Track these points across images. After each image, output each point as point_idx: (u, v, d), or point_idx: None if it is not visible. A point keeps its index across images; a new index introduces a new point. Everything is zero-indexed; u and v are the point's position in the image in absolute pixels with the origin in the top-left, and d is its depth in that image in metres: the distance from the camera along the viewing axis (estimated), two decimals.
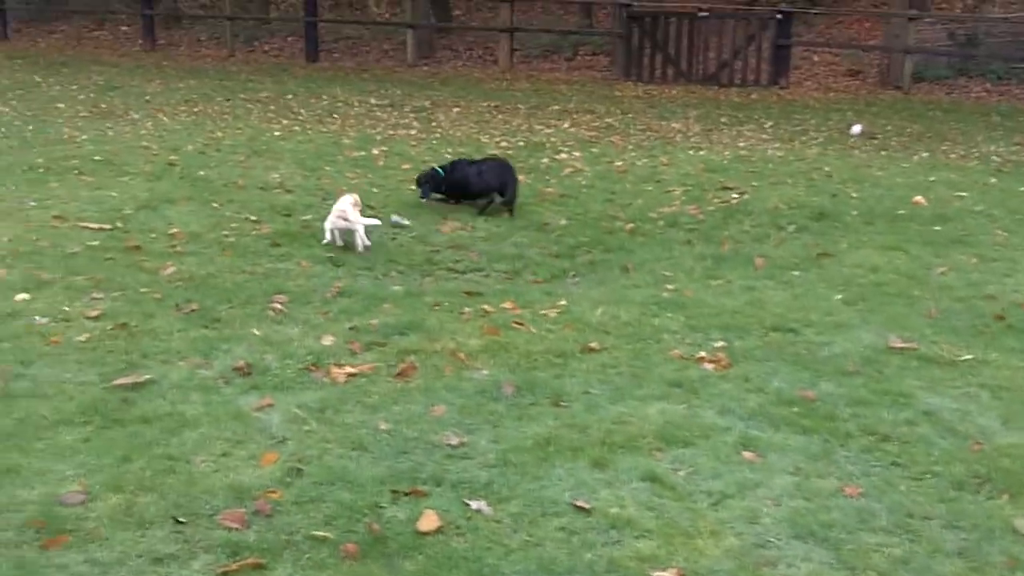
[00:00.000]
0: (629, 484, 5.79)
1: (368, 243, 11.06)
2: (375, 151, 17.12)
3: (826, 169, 16.17)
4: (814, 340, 8.21)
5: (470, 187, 13.05)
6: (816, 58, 31.29)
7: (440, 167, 13.25)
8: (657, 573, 4.92)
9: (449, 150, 17.30)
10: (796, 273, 10.29)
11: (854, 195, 14.08)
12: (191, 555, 5.06)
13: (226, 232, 11.55)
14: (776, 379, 7.33)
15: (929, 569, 5.03)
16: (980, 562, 5.11)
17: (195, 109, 21.95)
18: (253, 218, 12.25)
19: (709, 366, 7.57)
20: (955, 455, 6.19)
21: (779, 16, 28.06)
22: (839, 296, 9.43)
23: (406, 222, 12.11)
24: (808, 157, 17.44)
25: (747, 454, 6.17)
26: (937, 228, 12.16)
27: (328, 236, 11.16)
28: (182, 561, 5.02)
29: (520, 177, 13.41)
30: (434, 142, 18.47)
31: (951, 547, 5.22)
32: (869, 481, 5.89)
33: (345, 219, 10.99)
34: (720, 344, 8.05)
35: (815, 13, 31.69)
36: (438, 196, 13.14)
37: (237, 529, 5.26)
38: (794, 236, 11.89)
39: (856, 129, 20.55)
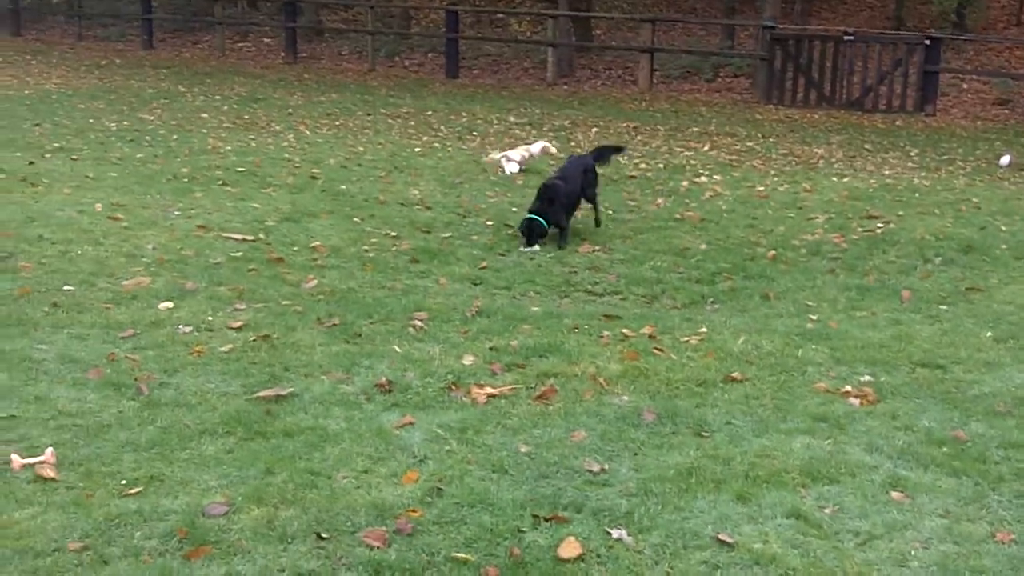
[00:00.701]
0: (773, 520, 5.71)
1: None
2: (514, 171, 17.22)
3: (974, 200, 15.81)
4: (963, 378, 8.02)
5: (572, 201, 12.72)
6: (964, 85, 30.61)
7: (536, 214, 12.27)
8: None
9: None
10: (944, 307, 10.08)
11: (1004, 228, 13.75)
12: (333, 572, 5.13)
13: (366, 247, 11.72)
14: (925, 417, 7.18)
15: None
16: None
17: (336, 123, 22.35)
18: (393, 234, 12.41)
19: (855, 401, 7.44)
20: None
21: (927, 41, 27.53)
22: (989, 333, 9.20)
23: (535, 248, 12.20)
24: (955, 187, 17.07)
25: (895, 494, 6.05)
26: None
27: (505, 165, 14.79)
28: None
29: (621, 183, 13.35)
30: None
31: None
32: (1023, 527, 5.72)
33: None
34: (866, 378, 7.91)
35: (964, 39, 31.00)
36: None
37: (379, 548, 5.32)
38: (941, 269, 11.65)
39: (1005, 160, 20.04)
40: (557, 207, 12.25)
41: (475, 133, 21.73)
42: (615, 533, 5.53)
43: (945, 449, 6.66)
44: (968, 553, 5.44)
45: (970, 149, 21.91)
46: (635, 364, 8.00)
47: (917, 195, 16.20)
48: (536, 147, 17.21)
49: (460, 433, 6.72)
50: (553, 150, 14.05)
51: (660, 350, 8.40)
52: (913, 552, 5.43)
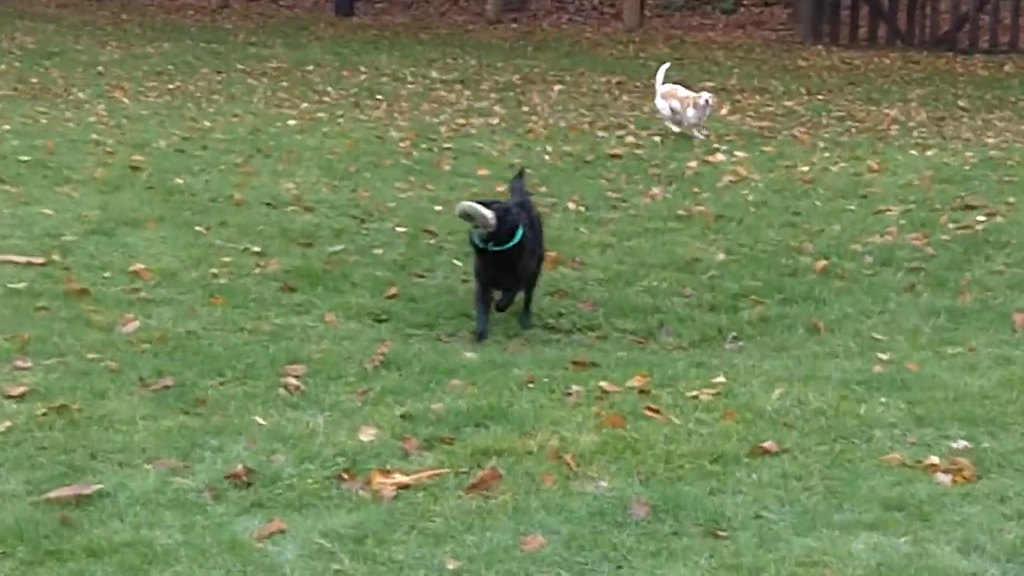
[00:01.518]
0: None
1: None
2: (438, 150, 17.26)
3: None
4: None
5: None
6: None
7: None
8: None
9: (548, 148, 17.40)
10: None
11: None
12: None
13: (215, 270, 11.70)
14: None
15: None
16: None
17: (170, 86, 22.32)
18: (256, 249, 12.38)
19: (945, 478, 7.47)
20: None
21: None
22: None
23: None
24: None
25: None
26: None
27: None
28: None
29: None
30: (526, 139, 18.58)
31: None
32: None
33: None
34: (962, 445, 7.94)
35: None
36: None
37: None
38: None
39: None
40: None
41: (379, 97, 21.80)
42: None
43: None
44: None
45: None
46: (619, 433, 8.00)
47: None
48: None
49: (356, 544, 6.68)
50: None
51: (656, 411, 8.42)
52: None
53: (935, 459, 7.74)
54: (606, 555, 6.60)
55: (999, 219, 13.83)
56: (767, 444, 7.90)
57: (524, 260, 10.46)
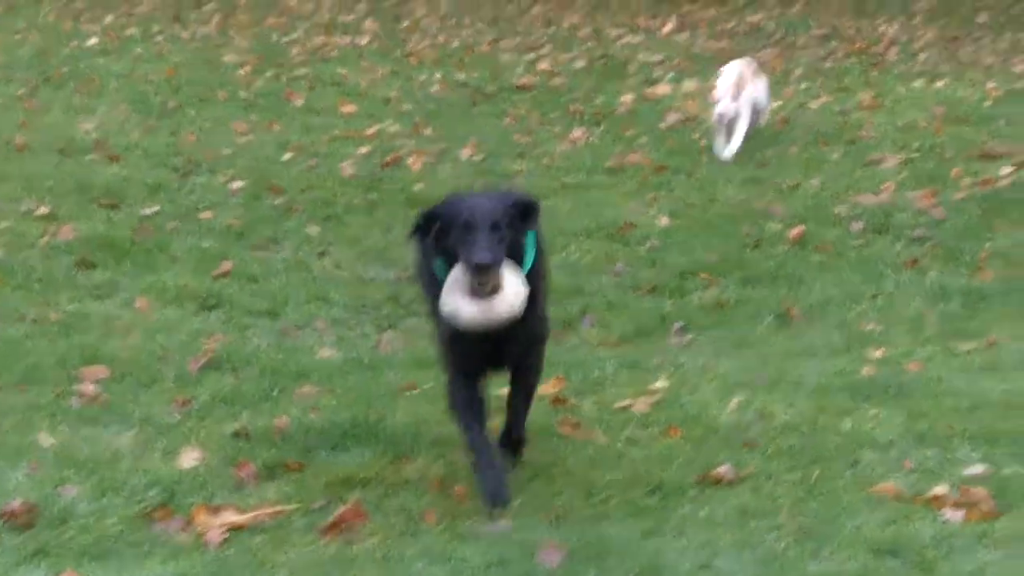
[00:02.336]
0: None
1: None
2: (288, 80, 17.23)
3: None
4: None
5: None
6: None
7: None
8: None
9: (436, 77, 17.40)
10: None
11: None
12: None
13: None
14: None
15: None
16: None
17: None
18: (43, 211, 12.31)
19: (956, 514, 7.52)
20: None
21: None
22: None
23: None
24: None
25: None
26: None
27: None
28: None
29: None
30: (406, 64, 18.57)
31: None
32: None
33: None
34: (977, 471, 8.00)
35: None
36: None
37: None
38: None
39: None
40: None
41: (209, 7, 21.73)
42: None
43: None
44: None
45: None
46: (525, 456, 8.01)
47: None
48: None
49: None
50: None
51: (575, 426, 8.45)
52: None
53: (942, 489, 7.78)
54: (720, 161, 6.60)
55: None
56: (721, 470, 7.93)
57: (536, 307, 7.85)
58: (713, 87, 12.41)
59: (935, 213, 12.82)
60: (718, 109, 12.95)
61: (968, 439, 8.40)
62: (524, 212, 7.62)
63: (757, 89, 12.82)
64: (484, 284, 7.07)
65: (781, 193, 13.44)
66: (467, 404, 7.68)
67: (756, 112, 12.86)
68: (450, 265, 7.42)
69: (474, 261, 7.02)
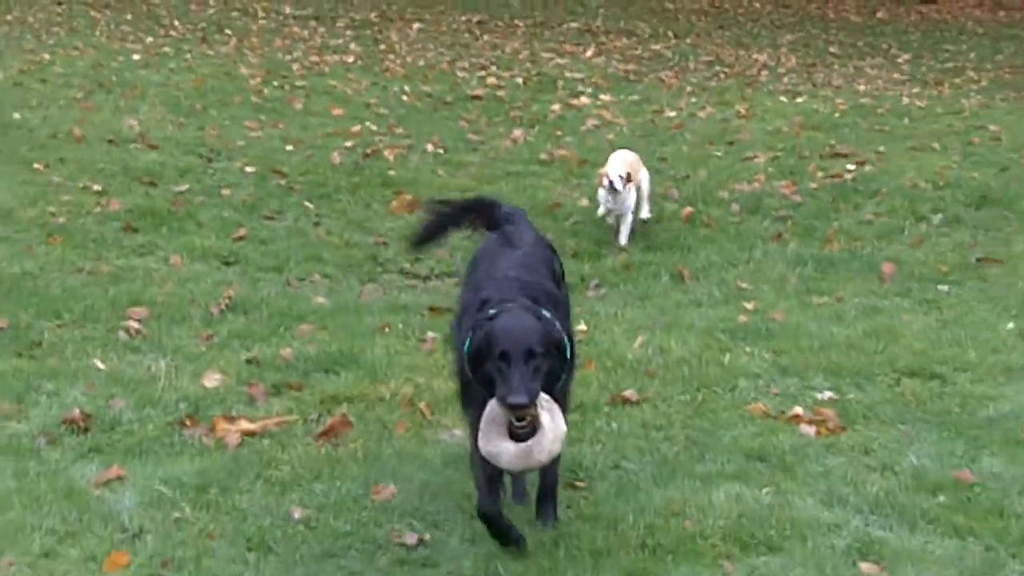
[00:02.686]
0: None
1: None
2: (290, 88, 17.19)
3: (992, 128, 16.19)
4: (972, 392, 8.24)
5: None
6: None
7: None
8: None
9: (406, 88, 17.37)
10: (944, 288, 10.33)
11: None
12: None
13: (54, 209, 11.59)
14: (913, 452, 7.36)
15: None
16: None
17: (7, 17, 21.98)
18: (97, 188, 12.29)
19: (809, 429, 7.60)
20: None
21: None
22: (1011, 325, 9.46)
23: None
24: (964, 109, 17.50)
25: (865, 566, 6.21)
26: None
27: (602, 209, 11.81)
28: None
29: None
30: (383, 78, 18.51)
31: None
32: None
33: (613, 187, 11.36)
34: (826, 396, 8.08)
35: None
36: None
37: None
38: (942, 231, 11.93)
39: None
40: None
41: (228, 32, 21.65)
42: None
43: (942, 498, 6.84)
44: None
45: (987, 53, 22.48)
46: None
47: (907, 121, 16.57)
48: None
49: (197, 492, 6.70)
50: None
51: None
52: None
53: (799, 410, 7.88)
54: (459, 505, 6.66)
55: (868, 168, 13.99)
56: (628, 393, 8.01)
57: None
58: (603, 171, 11.42)
59: (795, 198, 12.87)
60: (606, 186, 11.42)
61: (820, 371, 8.50)
62: (559, 343, 6.08)
63: (642, 179, 11.78)
64: (521, 421, 5.81)
65: (676, 181, 13.49)
66: (485, 465, 6.15)
67: (640, 200, 11.79)
68: (486, 389, 5.98)
69: (509, 402, 5.73)
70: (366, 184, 12.90)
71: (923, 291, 10.26)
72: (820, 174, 13.80)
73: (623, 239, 11.56)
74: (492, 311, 6.14)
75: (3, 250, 10.40)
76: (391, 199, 12.47)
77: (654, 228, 11.82)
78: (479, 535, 6.36)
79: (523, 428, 5.79)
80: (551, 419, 5.83)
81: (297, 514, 6.51)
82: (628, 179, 11.34)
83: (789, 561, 6.25)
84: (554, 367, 5.98)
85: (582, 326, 9.08)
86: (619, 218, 11.62)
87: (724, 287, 10.37)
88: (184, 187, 12.49)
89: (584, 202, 12.58)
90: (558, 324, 6.18)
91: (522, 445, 5.81)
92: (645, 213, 11.81)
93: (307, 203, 12.27)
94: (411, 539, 6.32)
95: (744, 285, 10.41)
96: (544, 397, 5.90)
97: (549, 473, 6.51)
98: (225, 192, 12.47)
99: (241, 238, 11.18)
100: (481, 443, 5.87)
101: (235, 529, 6.37)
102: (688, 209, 12.43)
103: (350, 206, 12.28)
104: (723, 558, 6.25)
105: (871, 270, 10.75)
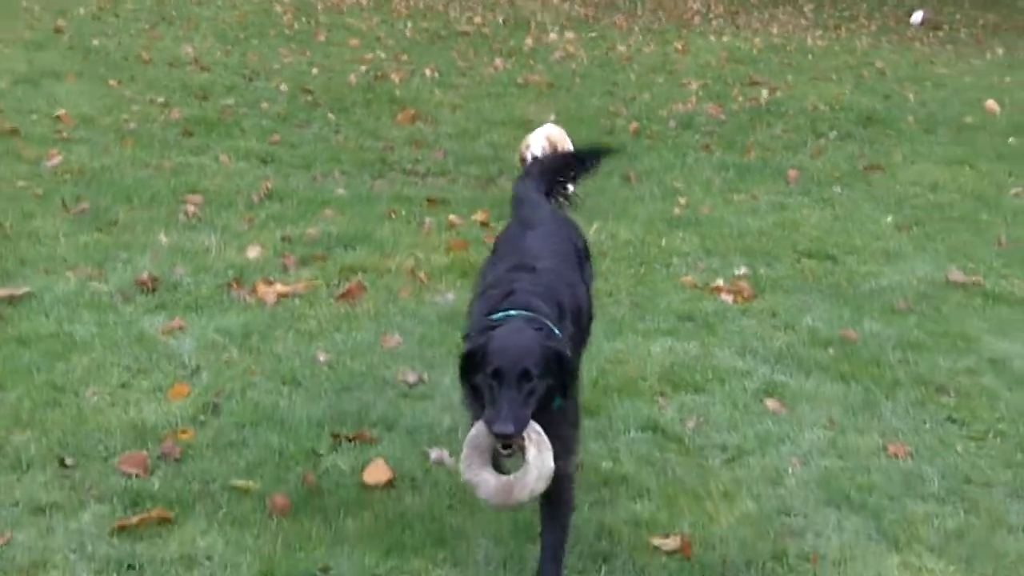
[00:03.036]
0: (625, 435, 5.88)
1: None
2: (315, 24, 17.11)
3: (878, 64, 16.26)
4: (858, 270, 8.32)
5: None
6: None
7: None
8: (657, 540, 5.00)
9: (409, 25, 17.29)
10: (838, 189, 10.38)
11: (911, 97, 14.18)
12: (80, 504, 5.12)
13: (126, 116, 11.56)
14: (809, 315, 7.44)
15: (988, 545, 5.14)
16: None
17: None
18: (160, 100, 12.25)
19: (728, 297, 7.67)
20: None
21: None
22: (890, 218, 9.53)
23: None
24: (857, 49, 17.53)
25: (770, 403, 6.28)
26: (1012, 141, 12.24)
27: None
28: (69, 511, 5.07)
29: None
30: (391, 16, 18.42)
31: (1016, 520, 5.34)
32: (919, 439, 6.00)
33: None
34: (742, 271, 8.15)
35: None
36: None
37: (138, 475, 5.33)
38: (837, 144, 11.98)
39: (918, 17, 20.61)
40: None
41: None
42: (433, 454, 5.63)
43: (831, 351, 6.93)
44: (854, 469, 5.69)
45: (876, 3, 22.46)
46: (463, 256, 8.09)
47: (810, 58, 16.60)
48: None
49: (243, 339, 6.74)
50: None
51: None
52: (790, 469, 5.66)
53: (720, 282, 7.96)
54: (450, 352, 6.69)
55: (779, 94, 14.06)
56: None
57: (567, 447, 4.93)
58: (526, 143, 9.61)
59: (720, 117, 12.90)
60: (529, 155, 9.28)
61: (737, 253, 8.59)
62: (560, 360, 4.65)
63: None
64: (507, 448, 4.53)
65: (625, 102, 13.50)
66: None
67: None
68: (477, 400, 4.74)
69: (495, 430, 4.46)
70: (376, 101, 12.86)
71: (820, 191, 10.31)
72: (740, 99, 13.83)
73: None
74: (495, 317, 4.80)
75: (86, 150, 10.37)
76: (396, 113, 12.43)
77: (608, 139, 11.76)
78: None
79: (508, 455, 4.55)
80: (538, 454, 4.57)
81: (321, 357, 6.55)
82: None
83: (710, 399, 6.33)
84: (552, 386, 4.63)
85: None
86: None
87: (662, 187, 10.38)
88: (230, 101, 12.44)
89: (552, 117, 12.52)
90: (559, 332, 4.80)
91: (504, 479, 4.60)
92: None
93: (329, 115, 12.22)
94: (412, 377, 6.38)
95: (678, 185, 10.42)
96: (535, 428, 4.57)
97: (556, 540, 4.79)
98: (263, 105, 12.41)
99: (276, 142, 11.13)
100: (462, 467, 4.66)
101: (272, 368, 6.42)
102: (635, 124, 12.44)
103: (363, 118, 12.26)
104: (658, 395, 6.33)
105: (779, 175, 10.79)
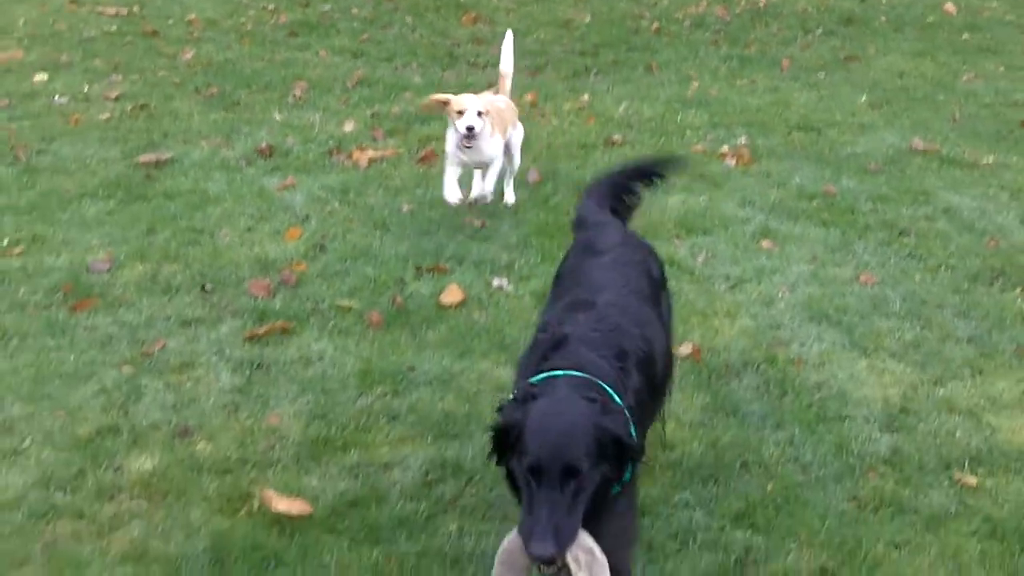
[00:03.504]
0: None
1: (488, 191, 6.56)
2: None
3: None
4: (837, 140, 8.29)
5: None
6: None
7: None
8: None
9: None
10: (822, 75, 10.28)
11: (884, 1, 13.94)
12: (218, 319, 5.28)
13: (243, 20, 11.57)
14: (798, 175, 7.44)
15: (939, 353, 5.22)
16: (990, 349, 5.29)
17: None
18: (271, 7, 12.22)
19: (731, 161, 7.68)
20: (971, 250, 6.34)
21: None
22: (864, 98, 9.45)
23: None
24: None
25: (765, 243, 6.33)
26: (966, 36, 12.06)
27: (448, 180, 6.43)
28: (209, 324, 5.24)
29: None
30: None
31: (962, 333, 5.41)
32: (885, 271, 6.05)
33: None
34: (743, 141, 8.14)
35: None
36: None
37: (263, 297, 5.48)
38: (821, 40, 11.82)
39: None
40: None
41: None
42: (495, 282, 5.73)
43: (815, 203, 6.95)
44: (832, 294, 5.75)
45: None
46: None
47: None
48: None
49: (342, 194, 6.83)
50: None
51: (543, 116, 8.53)
52: (780, 294, 5.73)
53: (725, 149, 7.95)
54: (506, 208, 6.76)
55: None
56: (615, 137, 8.08)
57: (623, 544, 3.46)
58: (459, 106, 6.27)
59: (726, 18, 12.69)
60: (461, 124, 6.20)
61: (739, 125, 8.54)
62: (619, 444, 3.06)
63: (517, 133, 6.72)
64: (548, 568, 2.97)
65: (648, 6, 13.28)
66: None
67: (509, 155, 6.64)
68: (514, 488, 3.13)
69: (530, 552, 2.93)
70: (445, 6, 12.71)
71: (807, 77, 10.19)
72: (743, 2, 13.58)
73: (484, 191, 6.45)
74: (536, 380, 3.24)
75: (213, 47, 10.42)
76: (461, 16, 12.31)
77: (633, 37, 11.65)
78: (522, 222, 6.49)
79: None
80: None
81: (405, 208, 6.65)
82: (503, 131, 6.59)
83: (716, 240, 6.40)
84: (608, 475, 3.06)
85: (585, 96, 9.10)
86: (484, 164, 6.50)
87: (678, 74, 10.27)
88: (327, 7, 12.37)
89: (588, 19, 12.37)
90: (619, 396, 3.22)
91: None
92: (510, 195, 6.81)
93: (407, 18, 12.11)
94: (478, 223, 6.47)
95: (691, 73, 10.31)
96: (584, 545, 3.00)
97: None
98: (354, 11, 12.32)
99: (365, 40, 11.09)
100: None
101: (366, 216, 6.53)
102: (656, 24, 12.28)
103: (435, 20, 12.16)
104: (675, 237, 6.40)
105: (774, 64, 10.66)
